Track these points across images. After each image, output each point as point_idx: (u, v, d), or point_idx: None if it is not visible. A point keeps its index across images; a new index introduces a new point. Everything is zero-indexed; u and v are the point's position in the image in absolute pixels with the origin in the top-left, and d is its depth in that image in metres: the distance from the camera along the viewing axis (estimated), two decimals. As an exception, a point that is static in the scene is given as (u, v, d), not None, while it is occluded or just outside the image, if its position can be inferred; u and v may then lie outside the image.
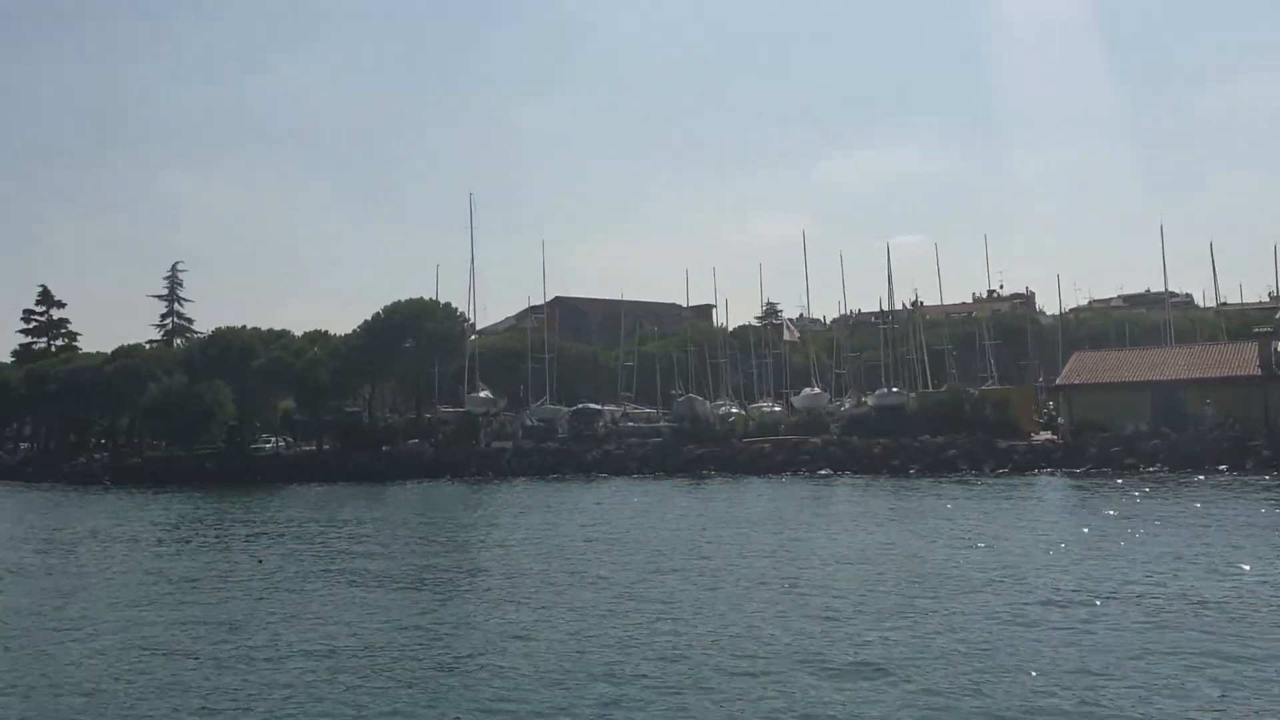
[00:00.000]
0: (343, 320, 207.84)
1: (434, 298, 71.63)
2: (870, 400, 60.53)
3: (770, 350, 79.27)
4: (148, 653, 17.09)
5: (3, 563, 29.96)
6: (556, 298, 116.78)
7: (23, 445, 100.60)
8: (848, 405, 62.01)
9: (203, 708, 13.75)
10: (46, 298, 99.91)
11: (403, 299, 70.80)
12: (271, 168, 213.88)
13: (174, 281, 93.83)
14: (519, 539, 31.14)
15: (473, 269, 71.39)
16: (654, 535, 30.82)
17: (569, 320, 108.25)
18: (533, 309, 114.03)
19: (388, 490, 54.45)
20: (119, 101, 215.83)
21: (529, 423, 66.91)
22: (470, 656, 16.10)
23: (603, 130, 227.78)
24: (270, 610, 20.50)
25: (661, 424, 63.98)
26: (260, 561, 28.70)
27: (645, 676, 14.37)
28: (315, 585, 23.56)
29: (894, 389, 60.36)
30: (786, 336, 74.05)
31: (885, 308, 71.70)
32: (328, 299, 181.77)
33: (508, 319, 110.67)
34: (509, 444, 63.88)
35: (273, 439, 75.79)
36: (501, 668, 15.22)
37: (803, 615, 18.08)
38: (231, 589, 23.46)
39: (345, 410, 74.24)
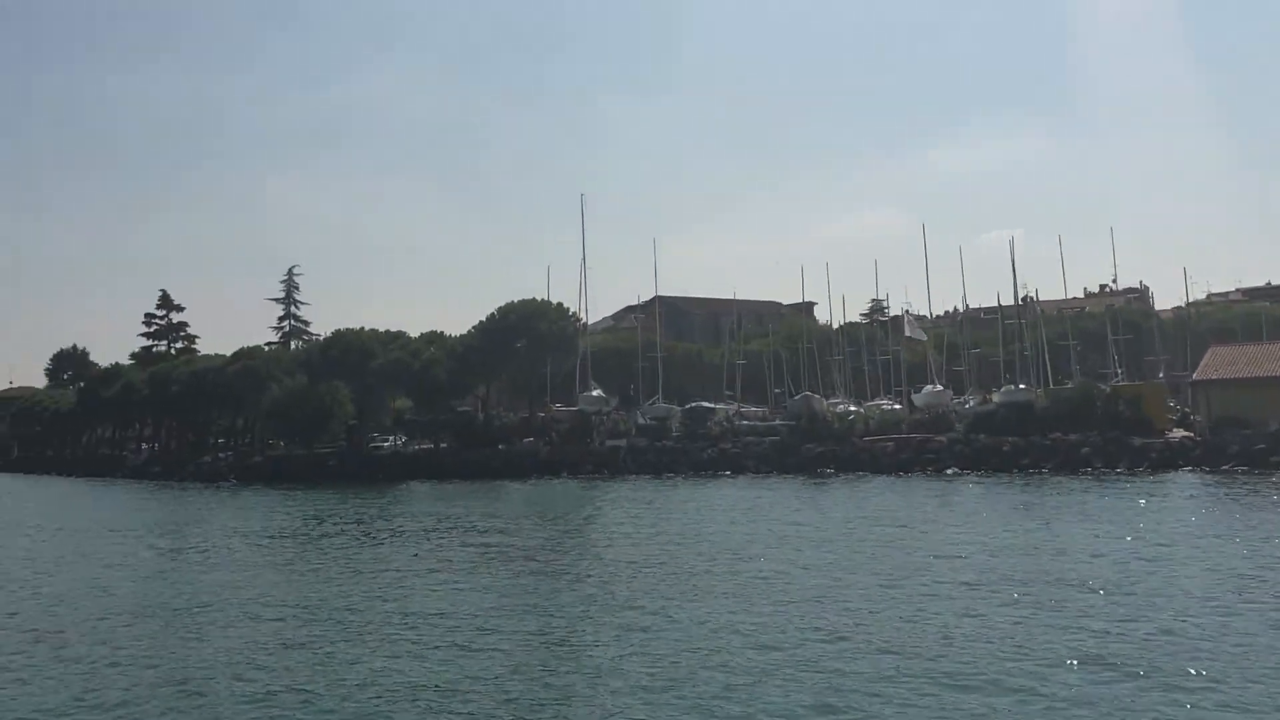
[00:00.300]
0: (453, 321, 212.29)
1: (545, 298, 72.32)
2: (996, 397, 59.18)
3: (880, 348, 78.16)
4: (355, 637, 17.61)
5: (204, 554, 31.11)
6: (657, 296, 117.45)
7: (143, 446, 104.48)
8: (972, 403, 60.70)
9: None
10: (166, 302, 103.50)
11: (515, 299, 71.61)
12: (376, 172, 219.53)
13: (290, 285, 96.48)
14: (674, 535, 31.12)
15: (584, 268, 71.91)
16: (817, 533, 30.34)
17: (669, 319, 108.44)
18: (630, 308, 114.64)
19: (506, 487, 54.88)
20: (225, 109, 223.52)
21: (642, 421, 67.07)
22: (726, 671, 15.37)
23: (698, 128, 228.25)
24: (442, 600, 20.91)
25: (777, 422, 63.48)
26: (416, 555, 29.35)
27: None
28: (482, 577, 24.02)
29: (1021, 385, 58.89)
30: (909, 333, 72.58)
31: (1003, 302, 70.21)
32: (434, 300, 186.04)
33: (605, 318, 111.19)
34: (623, 442, 64.10)
35: (390, 438, 77.22)
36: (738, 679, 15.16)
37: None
38: (406, 578, 24.02)
39: (460, 409, 75.39)
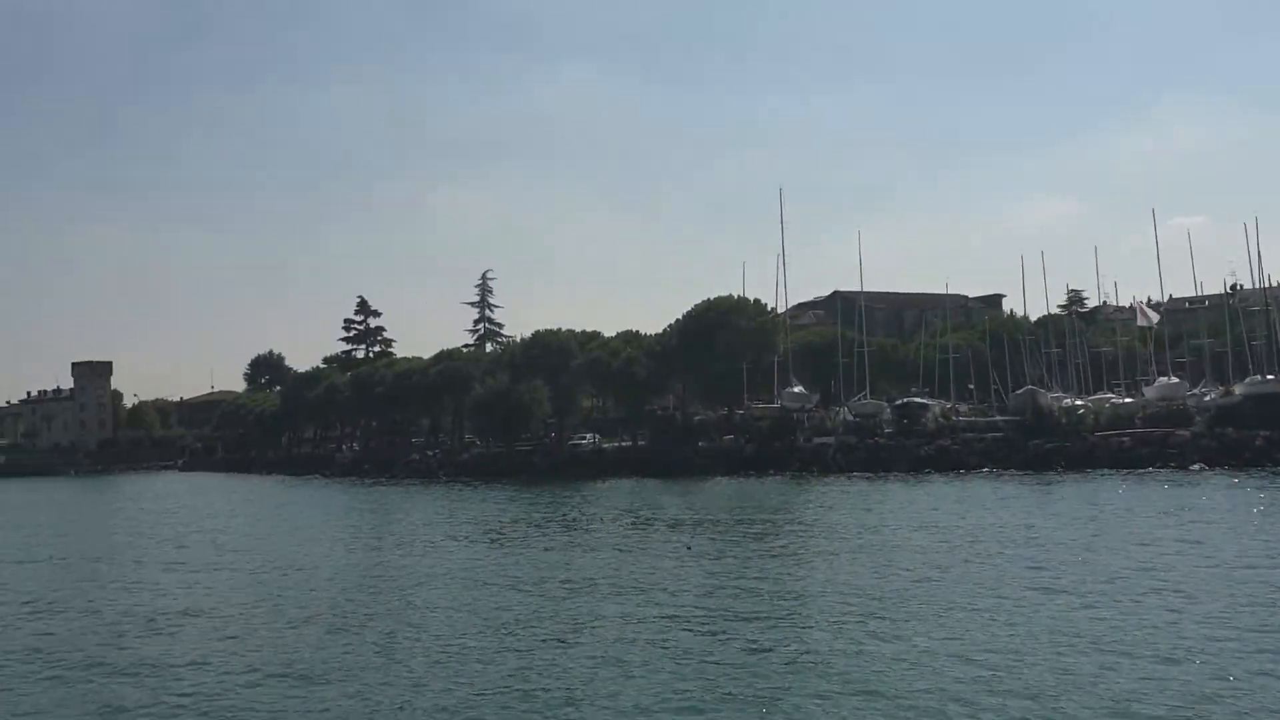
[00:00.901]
0: (633, 320, 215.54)
1: (741, 294, 71.96)
2: (1240, 389, 55.61)
3: (1080, 339, 74.74)
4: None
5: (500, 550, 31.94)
6: (835, 292, 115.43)
7: (342, 445, 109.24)
8: (1213, 395, 57.19)
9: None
10: (364, 307, 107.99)
11: (712, 296, 71.49)
12: (557, 176, 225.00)
13: (484, 289, 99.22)
14: (927, 535, 30.13)
15: (782, 262, 71.20)
16: (1082, 535, 28.60)
17: (848, 314, 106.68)
18: (803, 305, 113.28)
19: (709, 484, 54.54)
20: (413, 119, 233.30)
21: (848, 418, 65.90)
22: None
23: (870, 121, 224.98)
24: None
25: (997, 418, 61.35)
26: (689, 548, 29.24)
27: None
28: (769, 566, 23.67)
29: (1269, 376, 55.14)
30: (1141, 322, 69.03)
31: (1204, 291, 66.04)
32: (618, 300, 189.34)
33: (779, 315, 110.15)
34: (831, 439, 63.12)
35: (587, 435, 78.37)
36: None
37: None
38: (685, 570, 23.89)
39: (657, 407, 75.98)
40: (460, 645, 17.09)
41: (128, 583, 26.60)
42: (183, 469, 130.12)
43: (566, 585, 22.89)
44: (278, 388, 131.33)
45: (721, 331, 68.43)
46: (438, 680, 14.84)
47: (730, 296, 71.04)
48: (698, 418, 72.56)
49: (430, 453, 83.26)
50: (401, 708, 13.58)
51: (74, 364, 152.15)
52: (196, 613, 21.56)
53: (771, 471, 60.30)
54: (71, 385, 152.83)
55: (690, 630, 17.44)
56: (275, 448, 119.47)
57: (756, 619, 18.19)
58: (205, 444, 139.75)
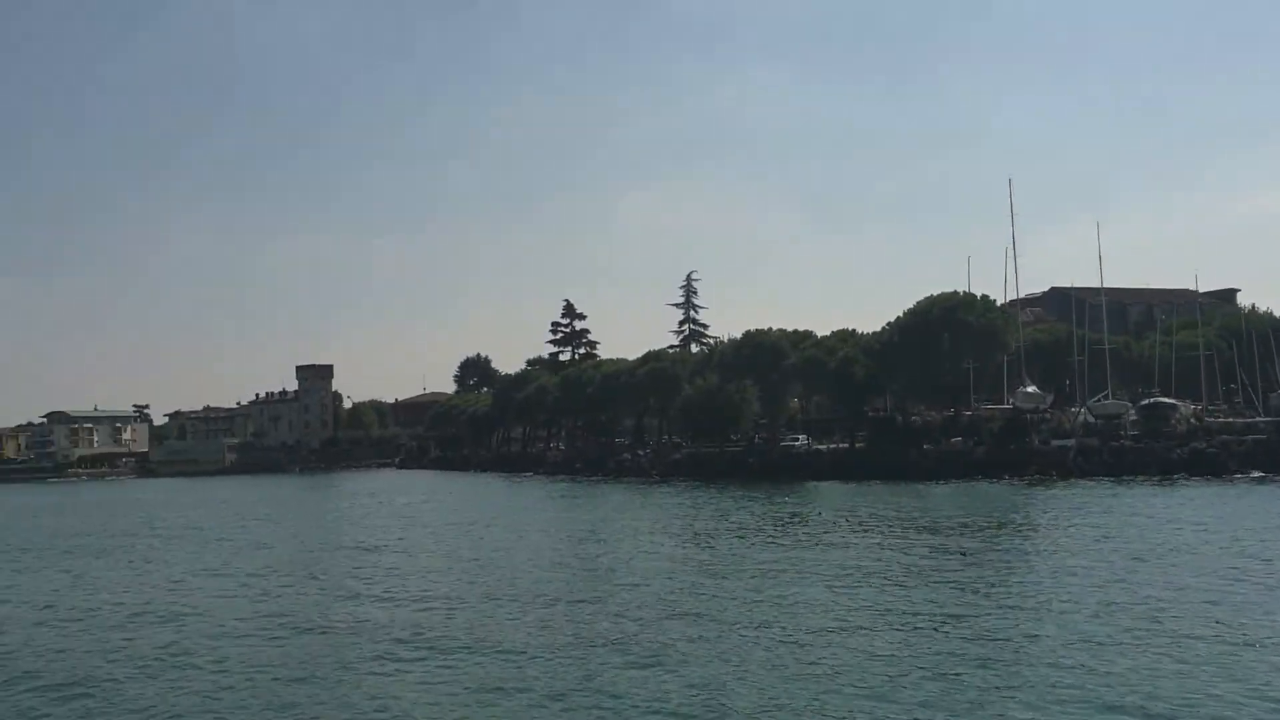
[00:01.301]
0: (836, 321, 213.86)
1: (967, 290, 69.14)
2: None
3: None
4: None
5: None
6: (1053, 288, 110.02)
7: (550, 444, 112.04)
8: None
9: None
10: (570, 311, 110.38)
11: (935, 293, 68.95)
12: (754, 179, 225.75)
13: (689, 290, 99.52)
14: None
15: (1012, 254, 68.16)
16: None
17: (1064, 310, 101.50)
18: (1013, 302, 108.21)
19: (933, 489, 52.00)
20: (603, 124, 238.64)
21: (1088, 419, 62.31)
22: None
23: (1076, 113, 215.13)
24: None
25: (1259, 419, 56.72)
26: (963, 554, 28.10)
27: None
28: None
29: None
30: None
31: None
32: (823, 298, 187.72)
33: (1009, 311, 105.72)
34: (1071, 442, 59.79)
35: (799, 437, 77.24)
36: None
37: None
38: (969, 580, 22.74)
39: (870, 408, 74.09)
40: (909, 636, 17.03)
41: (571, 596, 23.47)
42: (399, 467, 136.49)
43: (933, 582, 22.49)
44: (485, 389, 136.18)
45: (947, 329, 65.87)
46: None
47: (956, 292, 68.27)
48: (919, 420, 70.20)
49: (641, 452, 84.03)
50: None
51: (298, 367, 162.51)
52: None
53: (1006, 476, 57.54)
54: (296, 387, 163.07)
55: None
56: (486, 447, 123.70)
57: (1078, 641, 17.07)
58: (419, 443, 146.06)
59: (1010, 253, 67.99)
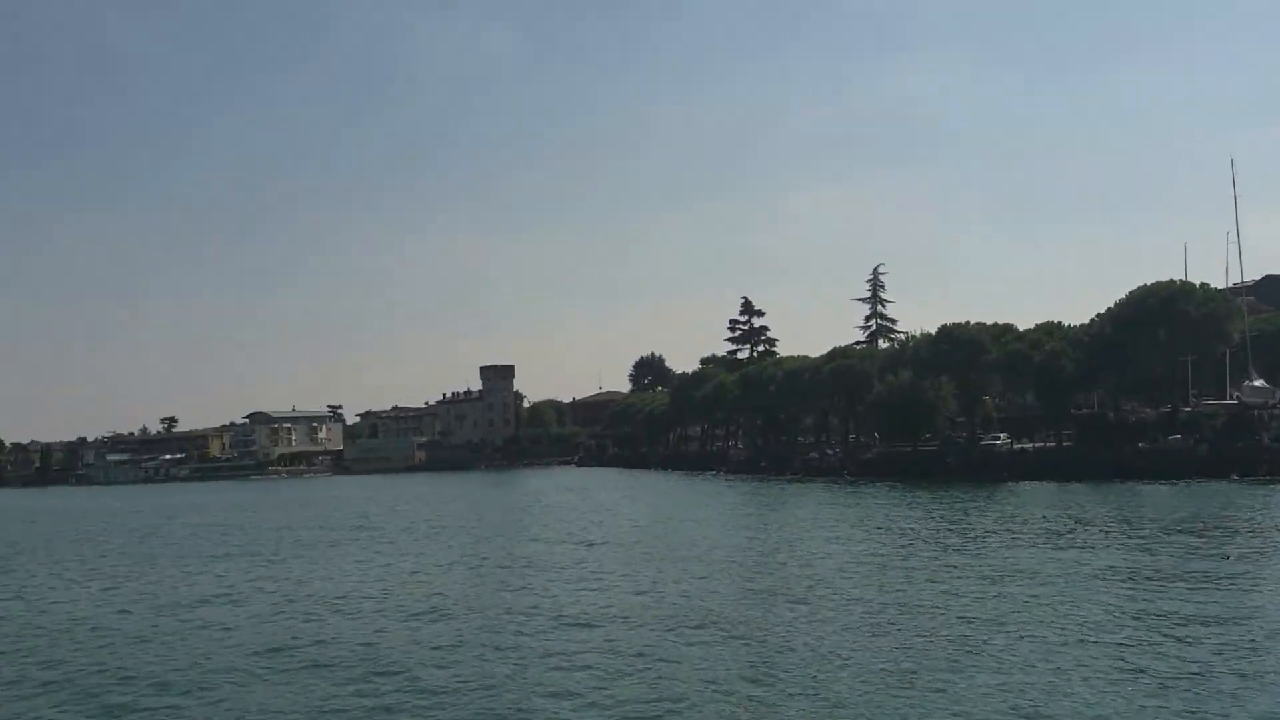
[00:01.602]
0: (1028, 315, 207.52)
1: (1184, 278, 64.99)
2: None
3: None
4: None
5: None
6: (1267, 275, 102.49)
7: (729, 443, 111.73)
8: None
9: None
10: (748, 308, 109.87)
11: (1148, 282, 65.09)
12: (931, 174, 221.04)
13: (876, 284, 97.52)
14: None
15: (1237, 239, 63.74)
16: None
17: (1276, 297, 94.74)
18: (1232, 289, 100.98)
19: (1149, 491, 48.47)
20: (773, 118, 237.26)
21: (1327, 415, 57.65)
22: None
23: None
24: None
25: None
26: (1228, 558, 26.54)
27: None
28: None
29: None
30: None
31: None
32: (1003, 292, 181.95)
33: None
34: (1311, 440, 55.42)
35: (999, 435, 74.36)
36: None
37: None
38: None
39: (1074, 405, 70.68)
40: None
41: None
42: (578, 465, 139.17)
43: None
44: (660, 388, 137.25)
45: (1165, 320, 62.04)
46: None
47: (1172, 281, 64.21)
48: (1133, 417, 66.46)
49: (830, 451, 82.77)
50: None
51: (482, 368, 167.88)
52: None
53: (1234, 476, 53.69)
54: (480, 387, 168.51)
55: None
56: (664, 445, 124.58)
57: None
58: (597, 441, 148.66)
59: (1233, 238, 63.61)
